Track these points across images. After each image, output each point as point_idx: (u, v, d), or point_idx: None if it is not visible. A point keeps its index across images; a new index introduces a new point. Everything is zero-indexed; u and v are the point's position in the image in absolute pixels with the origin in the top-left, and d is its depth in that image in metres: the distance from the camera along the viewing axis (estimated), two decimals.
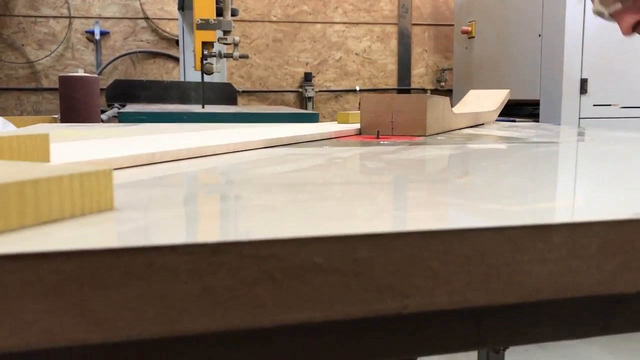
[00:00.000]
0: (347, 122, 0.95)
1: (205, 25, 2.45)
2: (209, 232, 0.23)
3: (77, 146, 0.47)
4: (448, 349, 0.24)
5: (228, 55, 2.62)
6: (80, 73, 1.29)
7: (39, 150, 0.36)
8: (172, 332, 0.20)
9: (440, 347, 0.24)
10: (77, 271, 0.19)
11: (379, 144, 0.64)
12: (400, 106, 0.76)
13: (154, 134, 0.74)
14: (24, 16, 3.47)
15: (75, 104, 1.22)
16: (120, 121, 2.11)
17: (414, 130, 0.76)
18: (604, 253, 0.24)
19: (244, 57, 2.75)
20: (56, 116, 1.75)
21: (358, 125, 0.80)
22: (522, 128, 1.00)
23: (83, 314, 0.19)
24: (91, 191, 0.26)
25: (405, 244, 0.22)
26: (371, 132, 0.77)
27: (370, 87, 3.89)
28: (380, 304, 0.22)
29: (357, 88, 3.85)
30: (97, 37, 3.50)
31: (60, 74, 1.32)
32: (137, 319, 0.20)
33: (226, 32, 2.51)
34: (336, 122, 1.01)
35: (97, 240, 0.21)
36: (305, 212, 0.26)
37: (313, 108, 3.72)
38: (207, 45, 2.53)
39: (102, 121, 2.33)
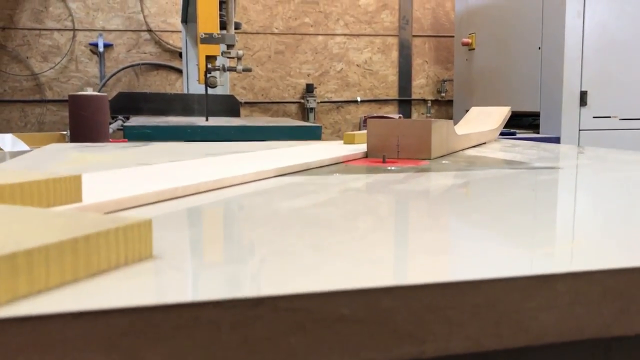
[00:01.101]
0: (352, 143, 0.98)
1: (209, 39, 2.48)
2: (248, 285, 0.25)
3: (102, 179, 0.50)
4: None
5: (232, 69, 2.65)
6: (90, 92, 1.31)
7: (73, 191, 0.39)
8: None
9: None
10: (131, 326, 0.22)
11: (386, 170, 0.67)
12: (406, 130, 0.78)
13: (169, 156, 0.77)
14: (28, 29, 3.50)
15: (84, 122, 1.25)
16: (125, 135, 2.13)
17: (419, 153, 0.79)
18: (604, 299, 0.27)
19: (247, 70, 2.78)
20: (64, 132, 1.77)
21: (364, 147, 0.83)
22: (523, 149, 1.02)
23: None
24: (133, 241, 0.28)
25: (424, 294, 0.25)
26: (377, 155, 0.79)
27: (372, 97, 3.92)
28: (400, 350, 0.25)
29: (359, 99, 3.88)
30: (101, 49, 3.53)
31: (70, 93, 1.35)
32: None
33: (230, 46, 2.54)
34: (341, 141, 1.04)
35: (147, 295, 0.23)
36: (332, 262, 0.28)
37: (315, 119, 3.75)
38: (210, 59, 2.56)
39: None
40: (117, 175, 0.53)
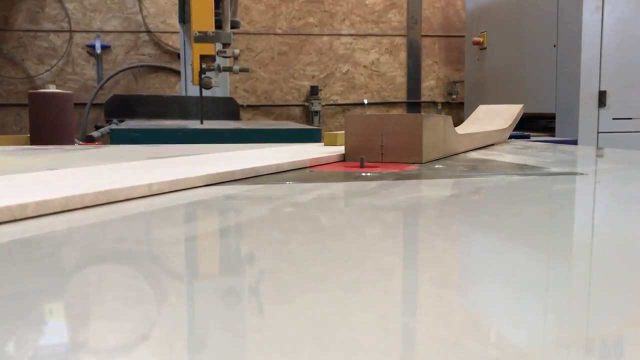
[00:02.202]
0: (334, 144, 0.83)
1: (203, 37, 2.35)
2: None
3: None
4: None
5: (227, 69, 2.51)
6: (52, 89, 1.18)
7: None
8: None
9: None
10: None
11: (358, 177, 0.52)
12: (392, 128, 0.63)
13: (106, 159, 0.63)
14: (24, 30, 3.40)
15: (46, 123, 1.11)
16: (112, 139, 2.00)
17: (407, 156, 0.63)
18: None
19: (244, 70, 2.64)
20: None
21: (343, 149, 0.68)
22: (537, 150, 0.87)
23: None
24: None
25: None
26: (357, 158, 0.64)
27: (379, 100, 3.77)
28: None
29: (365, 101, 3.73)
30: (98, 51, 3.42)
31: (30, 91, 1.21)
32: None
33: (226, 45, 2.41)
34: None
35: None
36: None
37: (320, 122, 3.61)
38: (205, 58, 2.42)
39: (93, 139, 2.23)
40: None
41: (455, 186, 0.46)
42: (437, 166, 0.63)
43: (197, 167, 0.51)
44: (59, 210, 0.34)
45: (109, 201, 0.37)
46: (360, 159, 0.61)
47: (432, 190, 0.46)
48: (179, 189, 0.43)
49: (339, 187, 0.46)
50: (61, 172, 0.47)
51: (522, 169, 0.60)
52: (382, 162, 0.63)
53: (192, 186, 0.44)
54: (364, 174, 0.55)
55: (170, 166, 0.52)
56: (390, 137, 0.62)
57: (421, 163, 0.62)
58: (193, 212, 0.37)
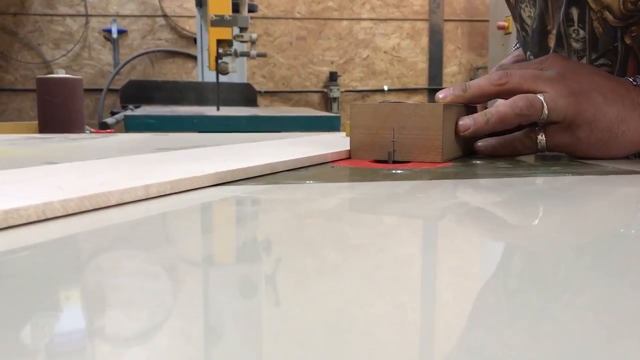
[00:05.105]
0: None
1: (220, 21, 2.29)
2: None
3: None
4: None
5: (245, 54, 2.45)
6: (61, 75, 1.13)
7: None
8: None
9: None
10: None
11: (389, 175, 0.46)
12: (405, 120, 0.54)
13: (111, 152, 0.57)
14: (40, 15, 3.37)
15: (54, 110, 1.06)
16: (126, 126, 1.95)
17: (424, 154, 0.54)
18: None
19: (261, 55, 2.58)
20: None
21: None
22: None
23: None
24: None
25: None
26: (364, 156, 0.56)
27: (399, 86, 3.68)
28: None
29: (386, 88, 3.65)
30: (115, 35, 3.38)
31: (39, 76, 1.16)
32: None
33: (243, 29, 2.35)
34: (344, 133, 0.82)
35: None
36: None
37: (338, 109, 3.54)
38: (222, 43, 2.36)
39: (107, 125, 2.19)
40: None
41: (511, 201, 0.40)
42: (465, 166, 0.56)
43: (205, 164, 0.45)
44: (34, 219, 0.28)
45: (97, 207, 0.31)
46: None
47: (475, 195, 0.39)
48: (182, 190, 0.37)
49: (366, 189, 0.40)
50: (48, 169, 0.41)
51: (571, 166, 0.53)
52: (393, 161, 0.54)
53: (198, 186, 0.38)
54: (394, 172, 0.48)
55: (175, 162, 0.46)
56: (404, 131, 0.54)
57: (439, 162, 0.53)
58: (195, 222, 0.31)
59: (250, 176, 0.43)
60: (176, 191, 0.37)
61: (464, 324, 0.17)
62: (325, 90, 3.59)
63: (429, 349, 0.15)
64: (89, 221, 0.29)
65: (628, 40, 0.61)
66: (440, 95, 0.57)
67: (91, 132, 1.27)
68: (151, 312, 0.17)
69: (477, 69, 3.72)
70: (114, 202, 0.33)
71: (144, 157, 0.50)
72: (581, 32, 0.64)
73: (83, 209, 0.31)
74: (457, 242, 0.28)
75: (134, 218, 0.31)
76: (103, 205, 0.32)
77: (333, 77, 3.56)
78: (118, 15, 3.42)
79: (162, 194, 0.36)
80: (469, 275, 0.23)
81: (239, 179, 0.42)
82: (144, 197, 0.34)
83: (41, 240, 0.26)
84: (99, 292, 0.19)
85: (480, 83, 0.56)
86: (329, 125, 2.14)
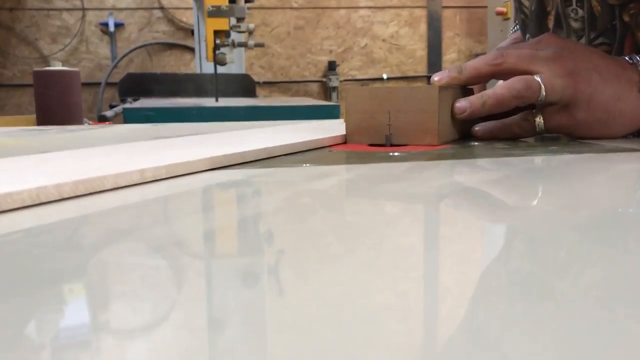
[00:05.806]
0: None
1: (216, 12, 2.28)
2: None
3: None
4: None
5: (242, 45, 2.45)
6: (58, 67, 1.12)
7: None
8: None
9: None
10: None
11: (387, 157, 0.46)
12: (401, 103, 0.54)
13: (110, 141, 0.57)
14: (36, 9, 3.35)
15: (52, 102, 1.06)
16: (125, 119, 1.95)
17: (420, 137, 0.54)
18: None
19: (259, 45, 2.57)
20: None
21: None
22: None
23: None
24: None
25: None
26: (360, 140, 0.56)
27: (399, 74, 3.67)
28: None
29: (385, 76, 3.64)
30: (112, 29, 3.36)
31: (35, 69, 1.16)
32: None
33: (240, 20, 2.34)
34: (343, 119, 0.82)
35: None
36: None
37: (338, 98, 3.53)
38: (219, 34, 2.35)
39: (106, 118, 2.18)
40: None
41: (506, 179, 0.39)
42: (472, 143, 0.56)
43: (202, 149, 0.44)
44: (28, 204, 0.28)
45: (92, 191, 0.31)
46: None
47: (477, 174, 0.39)
48: (178, 174, 0.37)
49: (364, 171, 0.40)
50: (43, 157, 0.41)
51: (569, 145, 0.53)
52: (390, 144, 0.54)
53: (194, 171, 0.38)
54: (391, 154, 0.48)
55: (172, 148, 0.46)
56: (400, 115, 0.54)
57: (436, 145, 0.53)
58: (190, 204, 0.31)
59: (246, 160, 0.43)
60: (172, 175, 0.36)
61: (466, 307, 0.17)
62: (324, 79, 3.58)
63: (432, 336, 0.15)
64: (84, 205, 0.29)
65: (626, 18, 0.60)
66: (435, 77, 0.57)
67: (89, 124, 1.27)
68: (147, 295, 0.17)
69: (476, 55, 3.70)
70: (108, 187, 0.32)
71: (140, 144, 0.50)
72: (580, 11, 0.64)
73: (78, 193, 0.31)
74: (456, 220, 0.28)
75: (128, 202, 0.30)
76: (98, 190, 0.32)
77: (332, 66, 3.54)
78: (114, 9, 3.41)
79: (157, 178, 0.35)
80: (469, 254, 0.23)
81: (235, 163, 0.41)
82: (139, 182, 0.34)
83: (35, 224, 0.26)
84: (93, 275, 0.19)
85: (476, 64, 0.56)
86: (329, 114, 2.13)
